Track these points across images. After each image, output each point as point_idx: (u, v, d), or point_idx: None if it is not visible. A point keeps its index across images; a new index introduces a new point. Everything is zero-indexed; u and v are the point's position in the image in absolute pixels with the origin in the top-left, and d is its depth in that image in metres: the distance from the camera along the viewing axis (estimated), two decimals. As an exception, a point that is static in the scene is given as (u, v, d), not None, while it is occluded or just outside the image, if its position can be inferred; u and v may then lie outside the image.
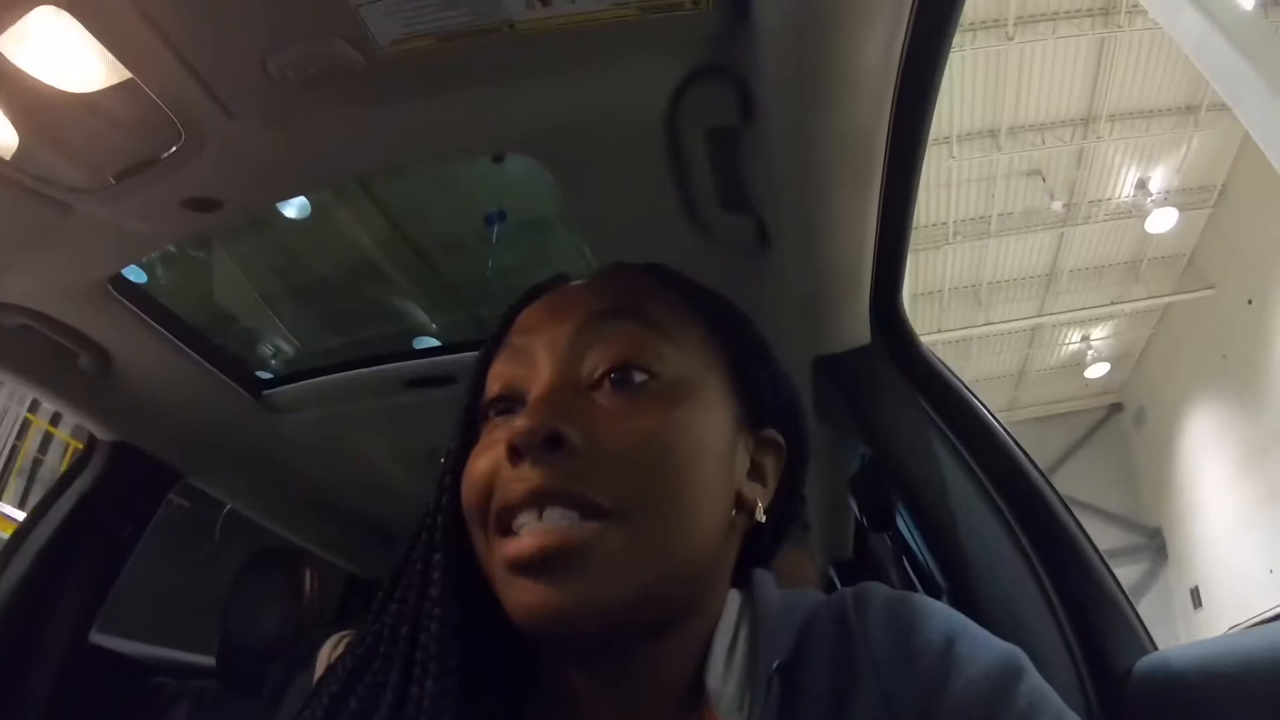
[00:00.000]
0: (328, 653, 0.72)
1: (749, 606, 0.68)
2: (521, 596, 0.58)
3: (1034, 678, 0.58)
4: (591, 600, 0.57)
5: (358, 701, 0.63)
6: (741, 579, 0.70)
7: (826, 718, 0.59)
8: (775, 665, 0.61)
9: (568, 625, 0.57)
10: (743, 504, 0.67)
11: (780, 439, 0.71)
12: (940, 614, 0.63)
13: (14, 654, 1.76)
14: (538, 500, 0.58)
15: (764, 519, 0.68)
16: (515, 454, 0.59)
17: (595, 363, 0.64)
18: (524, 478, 0.59)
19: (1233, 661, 0.99)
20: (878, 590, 0.66)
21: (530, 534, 0.58)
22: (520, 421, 0.60)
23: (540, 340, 0.66)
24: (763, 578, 0.70)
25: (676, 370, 0.65)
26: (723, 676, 0.62)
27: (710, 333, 0.70)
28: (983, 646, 0.60)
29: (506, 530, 0.60)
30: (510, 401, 0.66)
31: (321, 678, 0.68)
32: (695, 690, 0.63)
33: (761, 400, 0.70)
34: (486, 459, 0.63)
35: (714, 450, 0.64)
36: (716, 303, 0.74)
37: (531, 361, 0.66)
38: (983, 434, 1.36)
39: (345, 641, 0.72)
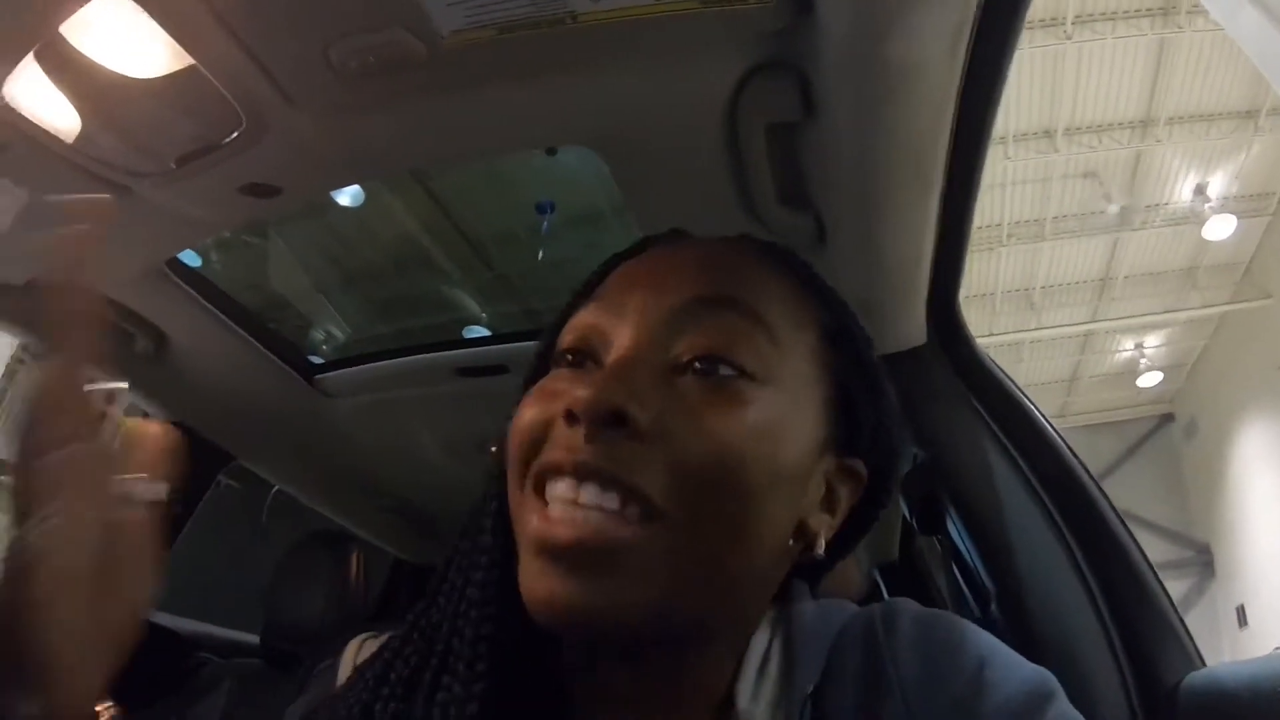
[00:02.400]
0: (353, 654, 0.69)
1: (782, 621, 0.63)
2: (539, 582, 0.52)
3: (1063, 703, 0.55)
4: (616, 604, 0.51)
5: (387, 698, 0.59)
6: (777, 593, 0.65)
7: None
8: (810, 689, 0.57)
9: (584, 623, 0.52)
10: (804, 533, 0.60)
11: (864, 472, 0.64)
12: (971, 635, 0.59)
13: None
14: (580, 473, 0.52)
15: (822, 553, 0.61)
16: (571, 419, 0.53)
17: (686, 346, 0.57)
18: (574, 446, 0.53)
19: (1283, 681, 0.97)
20: (907, 608, 0.62)
21: (566, 513, 0.52)
22: (584, 390, 0.53)
23: (633, 303, 0.59)
24: (797, 588, 0.65)
25: (774, 375, 0.58)
26: (753, 696, 0.58)
27: (823, 343, 0.63)
28: (1013, 670, 0.57)
29: (540, 490, 0.54)
30: (583, 355, 0.60)
31: (351, 680, 0.64)
32: (724, 707, 0.59)
33: (859, 430, 0.63)
34: (540, 408, 0.57)
35: (791, 473, 0.57)
36: (840, 311, 0.66)
37: (618, 321, 0.59)
38: (1037, 439, 1.34)
39: (367, 642, 0.69)
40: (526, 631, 0.56)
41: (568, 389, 0.55)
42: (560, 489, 0.53)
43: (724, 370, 0.56)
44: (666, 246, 0.67)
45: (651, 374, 0.56)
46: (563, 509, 0.52)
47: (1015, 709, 0.54)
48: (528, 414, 0.57)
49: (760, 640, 0.61)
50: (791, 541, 0.60)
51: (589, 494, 0.52)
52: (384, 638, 0.68)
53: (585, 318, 0.61)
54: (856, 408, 0.63)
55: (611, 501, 0.52)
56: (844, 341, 0.64)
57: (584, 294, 0.65)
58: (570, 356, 0.60)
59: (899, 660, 0.58)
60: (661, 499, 0.52)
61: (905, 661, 0.58)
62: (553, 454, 0.54)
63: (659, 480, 0.52)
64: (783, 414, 0.57)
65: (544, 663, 0.60)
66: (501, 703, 0.56)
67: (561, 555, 0.52)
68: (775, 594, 0.64)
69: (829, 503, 0.62)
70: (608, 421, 0.52)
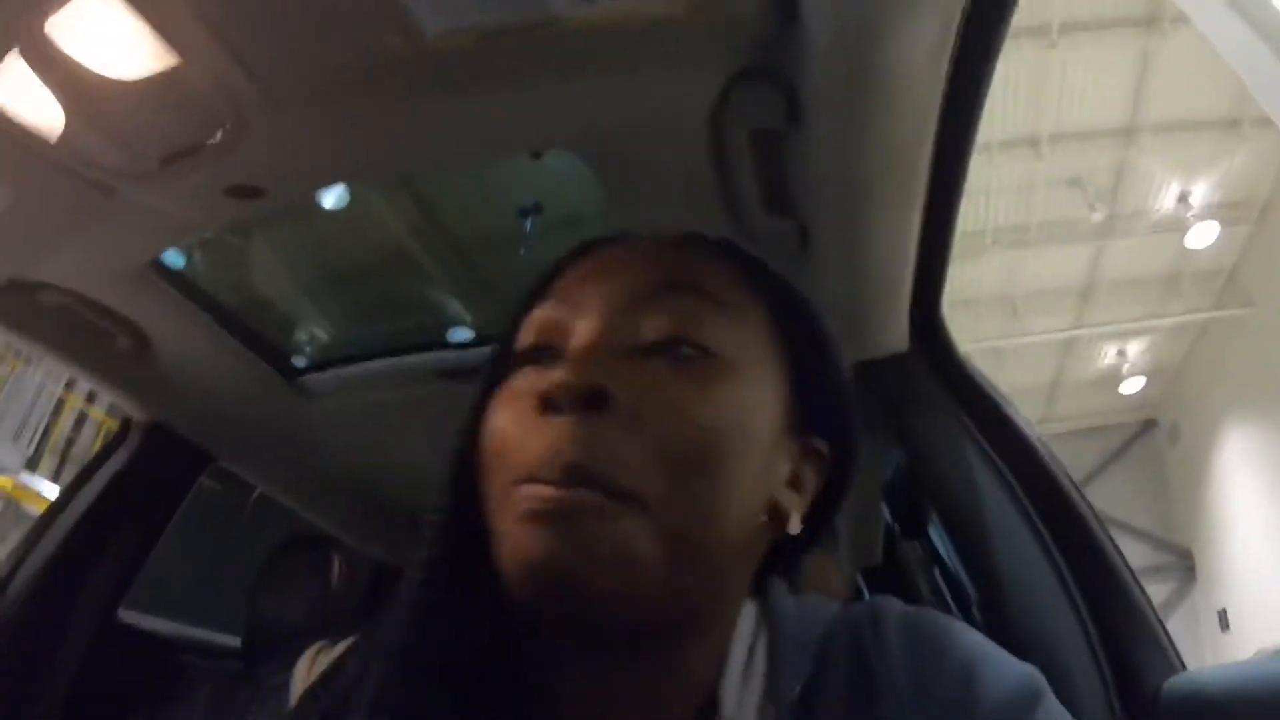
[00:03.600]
0: (306, 668, 0.67)
1: (764, 619, 0.62)
2: (526, 544, 0.52)
3: (1052, 700, 0.56)
4: (606, 584, 0.51)
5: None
6: (755, 587, 0.64)
7: None
8: (798, 690, 0.57)
9: (576, 602, 0.52)
10: (776, 512, 0.61)
11: (826, 451, 0.65)
12: (959, 634, 0.60)
13: (43, 629, 1.79)
14: (568, 476, 0.52)
15: (797, 532, 0.61)
16: (549, 407, 0.53)
17: (648, 328, 0.58)
18: (555, 442, 0.52)
19: (1264, 685, 0.98)
20: (892, 607, 0.62)
21: (544, 487, 0.52)
22: (559, 372, 0.54)
23: (590, 294, 0.60)
24: (776, 586, 0.65)
25: (734, 354, 0.58)
26: (738, 698, 0.57)
27: (773, 319, 0.63)
28: (1003, 668, 0.57)
29: (522, 484, 0.54)
30: (545, 351, 0.60)
31: (304, 699, 0.63)
32: (707, 711, 0.58)
33: (815, 405, 0.64)
34: (511, 410, 0.57)
35: (757, 446, 0.58)
36: (786, 289, 0.67)
37: (577, 314, 0.59)
38: (1019, 444, 1.35)
39: (321, 654, 0.68)
40: (500, 641, 0.57)
41: (536, 383, 0.55)
42: (547, 491, 0.52)
43: (686, 350, 0.57)
44: (616, 244, 0.68)
45: (619, 356, 0.57)
46: (552, 499, 0.52)
47: (1006, 709, 0.54)
48: (499, 419, 0.58)
49: (742, 640, 0.60)
50: (765, 519, 0.60)
51: (576, 495, 0.52)
52: (339, 647, 0.67)
53: (542, 314, 0.62)
54: (813, 387, 0.64)
55: (598, 499, 0.52)
56: (796, 322, 0.65)
57: (535, 295, 0.65)
58: (534, 354, 0.60)
59: (889, 661, 0.58)
60: (642, 486, 0.52)
61: (895, 662, 0.57)
62: (533, 451, 0.54)
63: (638, 466, 0.53)
64: (746, 390, 0.58)
65: (519, 670, 0.59)
66: (478, 714, 0.56)
67: (546, 521, 0.51)
68: (753, 588, 0.64)
69: (796, 482, 0.63)
70: (589, 402, 0.53)
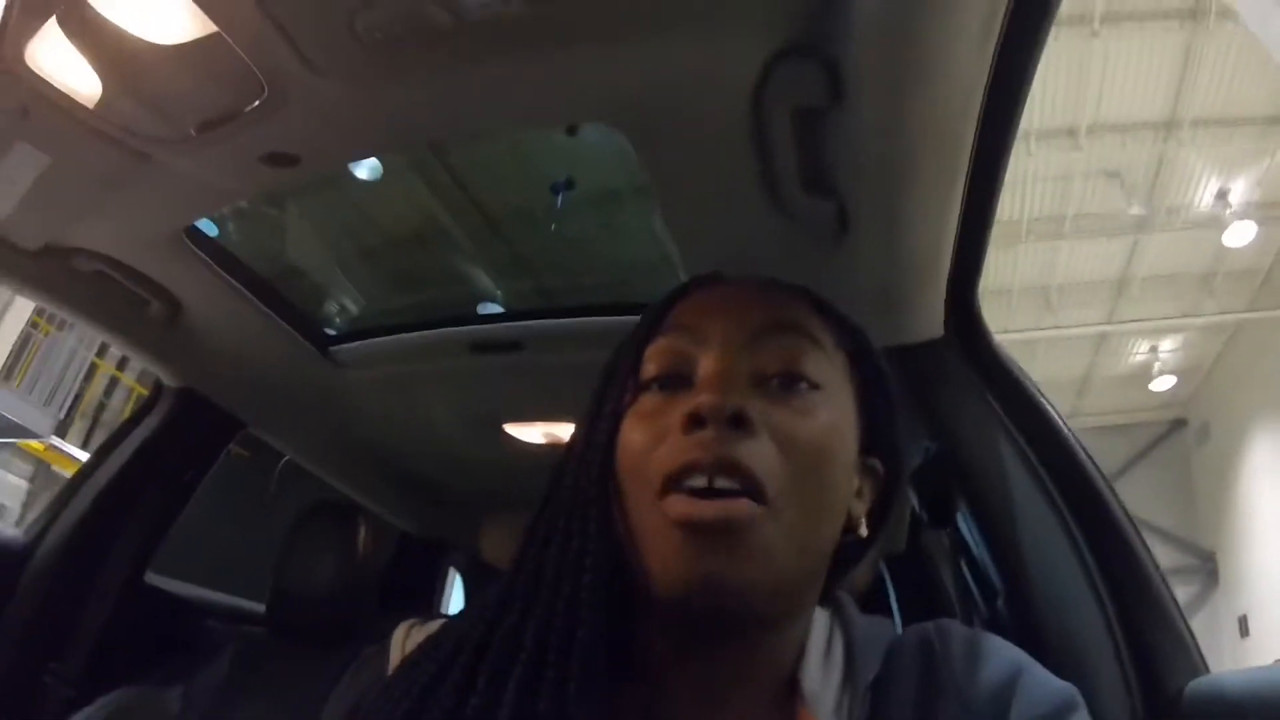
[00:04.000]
0: (401, 640, 0.72)
1: (838, 623, 0.72)
2: (680, 560, 0.60)
3: (1085, 715, 0.63)
4: (747, 579, 0.60)
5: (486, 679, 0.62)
6: (822, 596, 0.73)
7: None
8: (871, 679, 0.65)
9: (721, 597, 0.60)
10: (849, 519, 0.70)
11: (881, 469, 0.75)
12: (1010, 650, 0.68)
13: (71, 589, 1.82)
14: (720, 467, 0.60)
15: (865, 534, 0.73)
16: (696, 423, 0.62)
17: (764, 365, 0.68)
18: (705, 444, 0.61)
19: (1289, 691, 0.97)
20: (959, 627, 0.71)
21: (705, 501, 0.60)
22: (705, 396, 0.62)
23: (712, 329, 0.70)
24: (847, 600, 0.75)
25: (830, 385, 0.69)
26: (821, 682, 0.66)
27: (850, 359, 0.74)
28: (1044, 683, 0.65)
29: (670, 493, 0.61)
30: (674, 379, 0.68)
31: (406, 666, 0.67)
32: (787, 691, 0.66)
33: (877, 430, 0.74)
34: (647, 429, 0.66)
35: (847, 465, 0.69)
36: (857, 331, 0.78)
37: (701, 346, 0.69)
38: (1050, 436, 1.33)
39: (414, 629, 0.73)
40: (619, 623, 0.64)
41: (672, 405, 0.65)
42: (696, 481, 0.61)
43: (801, 384, 0.67)
44: (721, 284, 0.77)
45: (745, 385, 0.66)
46: (702, 499, 0.60)
47: (1044, 712, 0.62)
48: (637, 435, 0.66)
49: (820, 632, 0.70)
50: (842, 525, 0.70)
51: (722, 483, 0.60)
52: (431, 625, 0.73)
53: (667, 344, 0.71)
54: (875, 415, 0.74)
55: (738, 489, 0.60)
56: (865, 360, 0.76)
57: (652, 325, 0.73)
58: (663, 380, 0.69)
59: (952, 663, 0.66)
60: (771, 488, 0.61)
61: (957, 664, 0.66)
62: (686, 456, 0.61)
63: (770, 471, 0.61)
64: (839, 417, 0.69)
65: (629, 650, 0.66)
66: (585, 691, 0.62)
67: (705, 531, 0.60)
68: (823, 594, 0.73)
69: (860, 494, 0.73)
70: (732, 422, 0.61)
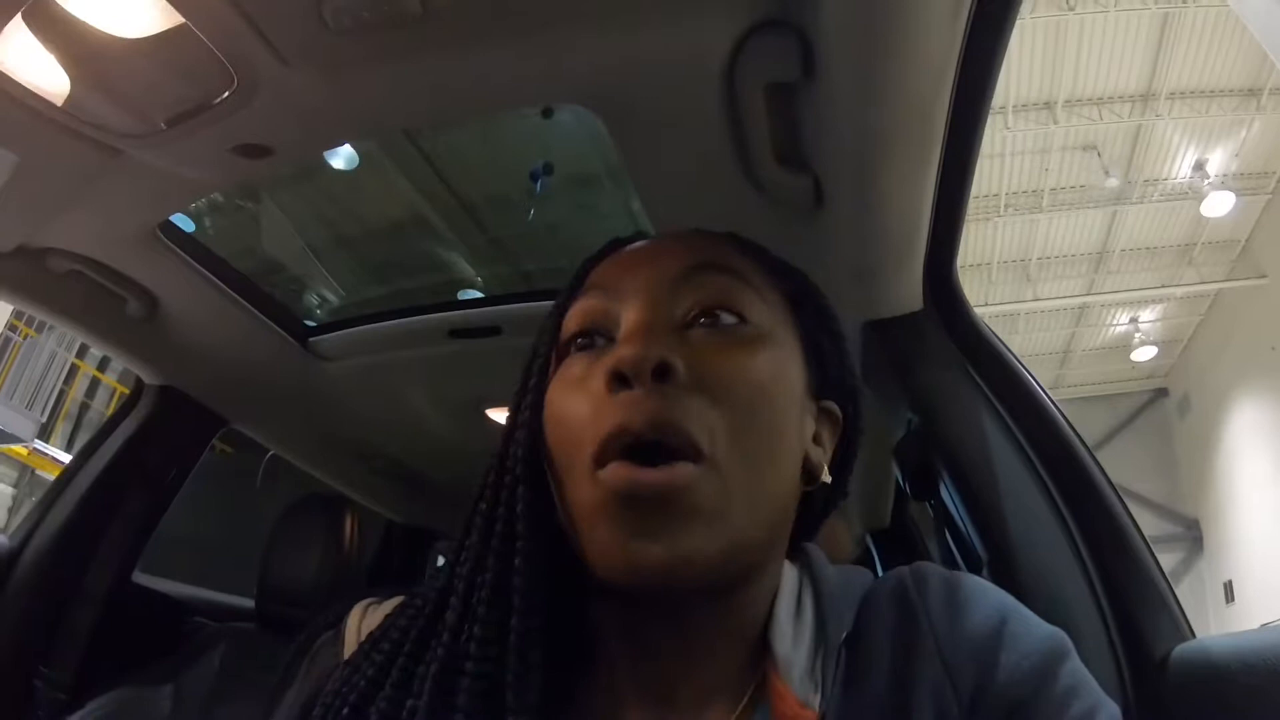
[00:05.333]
0: (356, 623, 0.71)
1: (807, 578, 0.68)
2: (619, 548, 0.56)
3: (1076, 660, 0.61)
4: (699, 552, 0.56)
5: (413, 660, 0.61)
6: (790, 550, 0.70)
7: (892, 684, 0.60)
8: (844, 636, 0.62)
9: (664, 579, 0.56)
10: (808, 466, 0.67)
11: (838, 412, 0.72)
12: (993, 593, 0.65)
13: (58, 592, 1.80)
14: (652, 426, 0.56)
15: (829, 480, 0.69)
16: (620, 381, 0.58)
17: (688, 305, 0.64)
18: (637, 403, 0.57)
19: (1275, 655, 0.98)
20: (934, 570, 0.67)
21: (644, 470, 0.56)
22: (625, 350, 0.59)
23: (630, 282, 0.66)
24: (816, 553, 0.71)
25: (763, 321, 0.65)
26: (791, 643, 0.62)
27: (788, 300, 0.70)
28: (1032, 627, 0.62)
29: (605, 463, 0.58)
30: (593, 337, 0.65)
31: (364, 650, 0.65)
32: (756, 654, 0.64)
33: (827, 372, 0.71)
34: (575, 393, 0.62)
35: (795, 403, 0.65)
36: (794, 272, 0.75)
37: (620, 301, 0.65)
38: (1031, 406, 1.34)
39: (370, 608, 0.71)
40: (563, 598, 0.62)
41: (595, 364, 0.61)
42: (632, 445, 0.57)
43: (726, 318, 0.64)
44: (644, 239, 0.74)
45: (670, 331, 0.62)
46: (641, 463, 0.56)
47: (1033, 663, 0.59)
48: (563, 401, 0.62)
49: (789, 594, 0.66)
50: (800, 473, 0.66)
51: (663, 475, 0.56)
52: (387, 605, 0.71)
53: (586, 304, 0.67)
54: (824, 357, 0.71)
55: (674, 447, 0.57)
56: (806, 300, 0.73)
57: (574, 289, 0.70)
58: (580, 340, 0.65)
59: (931, 614, 0.63)
60: (708, 442, 0.57)
61: (937, 615, 0.63)
62: (615, 419, 0.57)
63: (705, 424, 0.58)
64: (779, 353, 0.65)
65: (579, 624, 0.64)
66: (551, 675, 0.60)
67: (645, 502, 0.56)
68: (791, 548, 0.70)
69: (819, 439, 0.70)
70: (657, 373, 0.58)
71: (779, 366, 0.64)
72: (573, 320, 0.66)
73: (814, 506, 0.71)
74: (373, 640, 0.65)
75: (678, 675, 0.63)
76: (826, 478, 0.68)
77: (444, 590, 0.64)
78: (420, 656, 0.61)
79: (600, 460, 0.58)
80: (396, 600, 0.70)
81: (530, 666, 0.58)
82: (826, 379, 0.71)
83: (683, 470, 0.56)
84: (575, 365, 0.64)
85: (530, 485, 0.63)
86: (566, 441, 0.61)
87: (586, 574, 0.60)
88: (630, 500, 0.56)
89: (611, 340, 0.64)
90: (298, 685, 0.70)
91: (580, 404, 0.61)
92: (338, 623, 0.72)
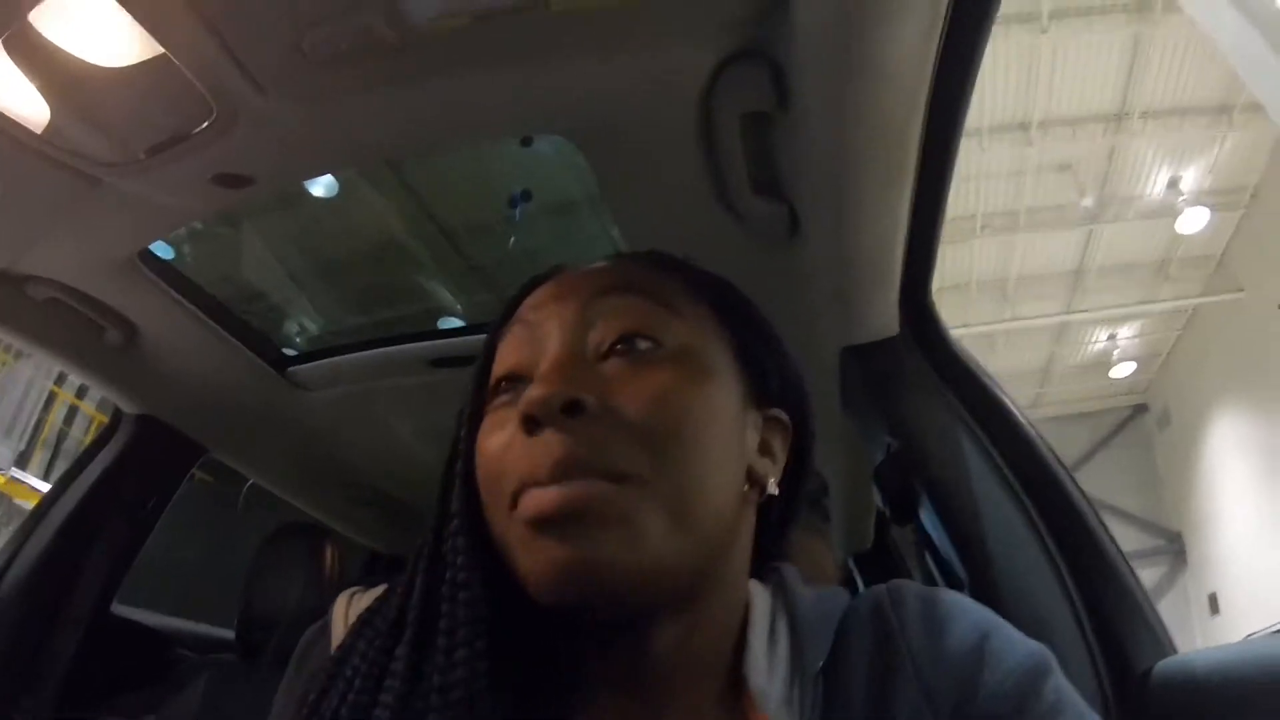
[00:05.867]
0: (343, 610, 0.71)
1: (781, 603, 0.67)
2: (540, 556, 0.56)
3: (1060, 677, 0.60)
4: (615, 562, 0.55)
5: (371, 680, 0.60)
6: (760, 568, 0.69)
7: (870, 712, 0.60)
8: (820, 665, 0.61)
9: (589, 587, 0.55)
10: (754, 478, 0.66)
11: (786, 419, 0.70)
12: (973, 610, 0.64)
13: (37, 623, 1.78)
14: (564, 471, 0.56)
15: (776, 491, 0.67)
16: (531, 424, 0.57)
17: (602, 335, 0.63)
18: (546, 448, 0.57)
19: (1255, 667, 0.98)
20: (911, 587, 0.66)
21: (549, 489, 0.56)
22: (534, 391, 0.58)
23: (545, 319, 0.65)
24: (790, 573, 0.70)
25: (684, 340, 0.64)
26: (767, 674, 0.61)
27: (715, 313, 0.69)
28: (1014, 643, 0.61)
29: (519, 500, 0.58)
30: (517, 380, 0.64)
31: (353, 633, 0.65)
32: (732, 685, 0.62)
33: (767, 380, 0.70)
34: (498, 436, 0.61)
35: (726, 417, 0.64)
36: (720, 285, 0.73)
37: (538, 340, 0.64)
38: (1009, 428, 1.35)
39: (355, 597, 0.71)
40: (526, 640, 0.61)
41: (515, 409, 0.60)
42: (547, 493, 0.56)
43: (640, 344, 0.63)
44: (563, 271, 0.72)
45: (582, 366, 0.62)
46: (552, 490, 0.56)
47: (1016, 681, 0.59)
48: (489, 445, 0.62)
49: (761, 621, 0.65)
50: (747, 487, 0.65)
51: (575, 489, 0.56)
52: (372, 593, 0.71)
53: (507, 346, 0.67)
54: (759, 361, 0.70)
55: (598, 483, 0.56)
56: (731, 309, 0.71)
57: (498, 330, 0.70)
58: (504, 384, 0.65)
59: (908, 635, 0.62)
60: (633, 467, 0.57)
61: (914, 635, 0.62)
62: (527, 463, 0.58)
63: (625, 452, 0.57)
64: (701, 370, 0.64)
65: (553, 662, 0.63)
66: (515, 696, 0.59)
67: (554, 520, 0.55)
68: (756, 566, 0.68)
69: (767, 448, 0.68)
70: (565, 412, 0.57)
71: (700, 384, 0.63)
72: (500, 365, 0.66)
73: (774, 517, 0.70)
74: (354, 631, 0.65)
75: (651, 711, 0.62)
76: (774, 489, 0.67)
77: (396, 623, 0.64)
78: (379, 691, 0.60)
79: (515, 502, 0.58)
80: (380, 589, 0.70)
81: (480, 698, 0.57)
82: (767, 387, 0.70)
83: (592, 485, 0.56)
84: (500, 405, 0.64)
85: (466, 522, 0.63)
86: (491, 481, 0.61)
87: (539, 611, 0.59)
88: (541, 523, 0.56)
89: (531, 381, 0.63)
90: (287, 686, 0.69)
91: (501, 448, 0.60)
92: (323, 618, 0.72)
